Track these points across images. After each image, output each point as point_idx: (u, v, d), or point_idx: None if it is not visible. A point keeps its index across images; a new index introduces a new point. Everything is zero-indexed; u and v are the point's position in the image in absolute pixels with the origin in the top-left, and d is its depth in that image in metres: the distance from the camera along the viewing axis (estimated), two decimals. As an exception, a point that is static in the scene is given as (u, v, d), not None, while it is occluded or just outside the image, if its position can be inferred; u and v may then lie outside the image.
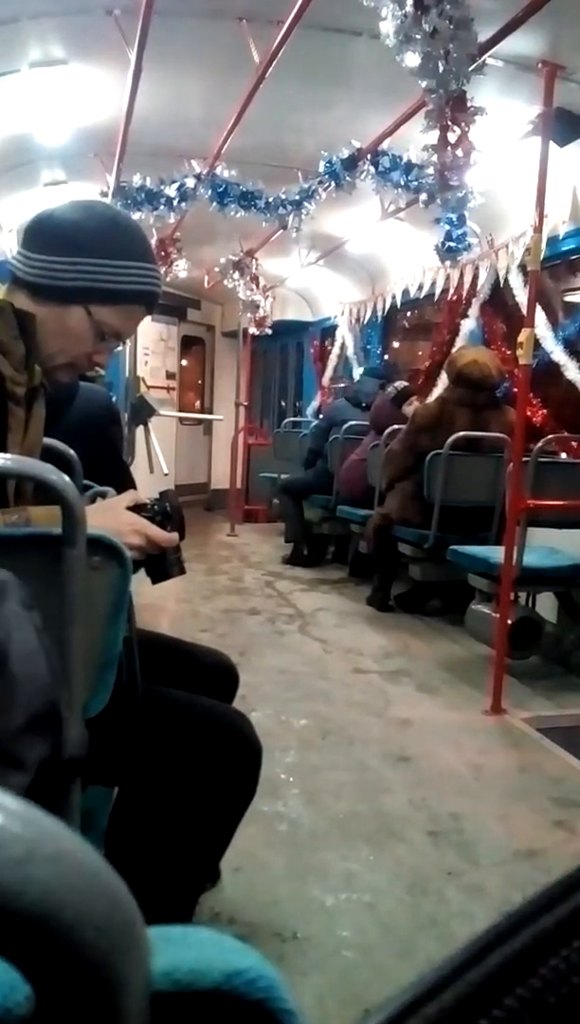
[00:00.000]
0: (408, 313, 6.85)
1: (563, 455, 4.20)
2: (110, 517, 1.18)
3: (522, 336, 2.99)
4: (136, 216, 4.83)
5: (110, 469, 1.86)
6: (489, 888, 1.91)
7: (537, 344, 3.83)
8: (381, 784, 2.45)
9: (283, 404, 9.61)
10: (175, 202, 4.67)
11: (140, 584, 1.21)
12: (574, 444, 4.22)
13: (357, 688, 3.32)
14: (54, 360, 1.26)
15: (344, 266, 6.75)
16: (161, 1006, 0.26)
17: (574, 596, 3.55)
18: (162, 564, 1.25)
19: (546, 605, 3.74)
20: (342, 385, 6.98)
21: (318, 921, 1.76)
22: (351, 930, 1.74)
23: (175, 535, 1.24)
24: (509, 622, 3.16)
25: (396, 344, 7.18)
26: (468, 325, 5.21)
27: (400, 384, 5.15)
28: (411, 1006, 0.24)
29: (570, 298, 4.69)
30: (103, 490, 1.34)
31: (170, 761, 1.22)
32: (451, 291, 5.35)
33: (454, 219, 4.14)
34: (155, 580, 1.27)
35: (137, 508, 1.23)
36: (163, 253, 6.18)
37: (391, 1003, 0.24)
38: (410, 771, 2.56)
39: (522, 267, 4.37)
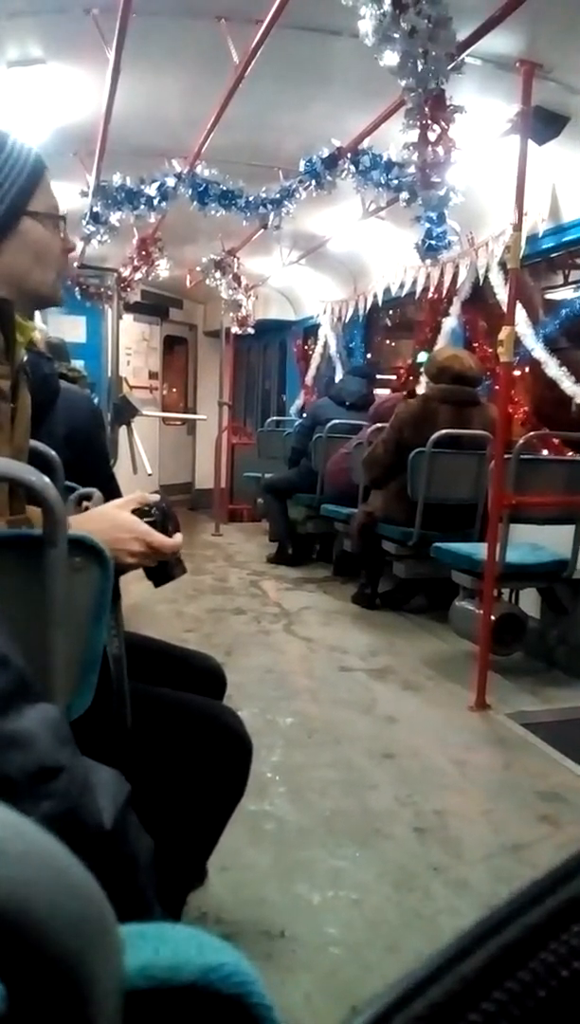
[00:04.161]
0: (390, 311, 6.85)
1: (544, 452, 4.22)
2: (109, 525, 1.14)
3: (503, 334, 3.01)
4: (117, 216, 4.82)
5: (98, 475, 1.85)
6: (475, 883, 1.92)
7: (518, 342, 3.85)
8: (367, 781, 2.46)
9: (268, 393, 9.59)
10: (156, 201, 4.65)
11: (125, 584, 1.21)
12: (555, 441, 4.25)
13: (342, 686, 3.33)
14: (52, 282, 1.21)
15: (326, 265, 6.75)
16: (137, 1003, 0.26)
17: (557, 592, 3.57)
18: (164, 566, 1.21)
19: (529, 601, 3.76)
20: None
21: (305, 919, 1.77)
22: (338, 927, 1.74)
23: (179, 538, 1.20)
24: (493, 618, 3.17)
25: (391, 342, 7.19)
26: (449, 323, 5.23)
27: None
28: (399, 1002, 0.24)
29: (550, 296, 4.71)
30: (88, 491, 1.31)
31: (161, 758, 1.22)
32: (432, 289, 5.36)
33: (434, 217, 4.15)
34: (157, 583, 1.23)
35: (138, 513, 1.18)
36: (144, 253, 6.16)
37: (379, 999, 0.24)
38: (395, 768, 2.56)
39: (502, 265, 4.39)
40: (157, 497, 1.22)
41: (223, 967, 0.27)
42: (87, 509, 1.25)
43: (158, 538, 1.16)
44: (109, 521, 1.15)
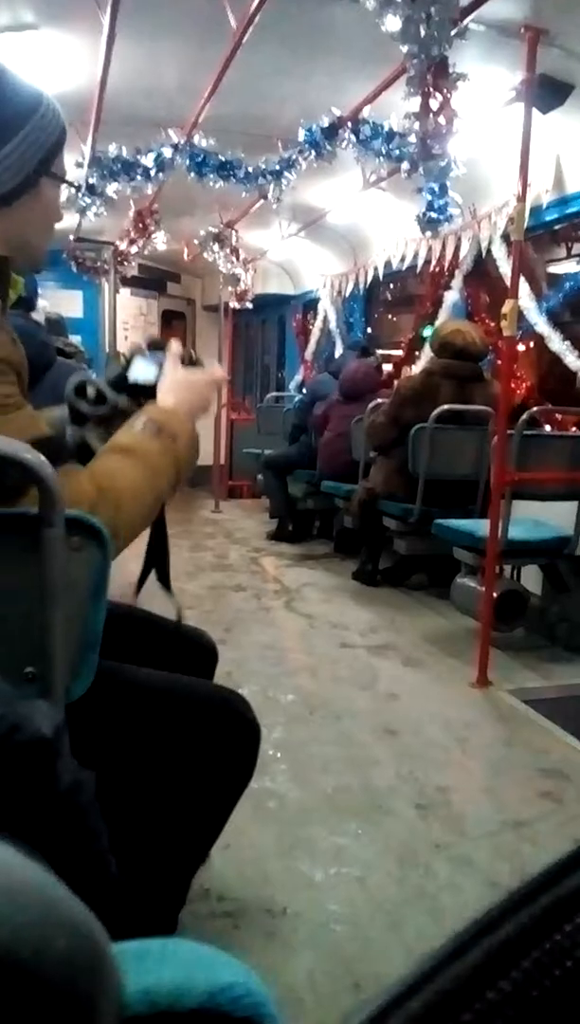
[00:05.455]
0: (391, 285, 6.78)
1: (547, 427, 4.19)
2: (192, 392, 1.21)
3: (506, 307, 2.96)
4: (113, 187, 4.75)
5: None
6: (477, 860, 1.92)
7: (521, 316, 3.81)
8: (368, 758, 2.46)
9: (268, 369, 9.53)
10: (152, 172, 4.57)
11: (123, 562, 1.18)
12: (558, 416, 4.22)
13: (343, 663, 3.32)
14: (45, 248, 1.19)
15: (326, 238, 6.68)
16: (139, 1029, 0.24)
17: (559, 568, 3.56)
18: None
19: (531, 577, 3.75)
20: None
21: (307, 896, 1.77)
22: (340, 904, 1.74)
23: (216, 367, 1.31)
24: (494, 595, 3.16)
25: (392, 316, 7.13)
26: (451, 297, 5.17)
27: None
28: (395, 1002, 0.24)
29: (554, 269, 4.66)
30: (79, 371, 1.30)
31: (170, 743, 1.20)
32: (434, 262, 5.30)
33: (436, 189, 4.09)
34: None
35: (192, 363, 1.26)
36: (141, 225, 6.09)
37: (375, 999, 0.24)
38: (397, 745, 2.56)
39: (505, 237, 4.33)
40: (179, 344, 1.30)
41: (232, 988, 0.25)
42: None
43: (215, 375, 1.27)
44: (189, 387, 1.21)
